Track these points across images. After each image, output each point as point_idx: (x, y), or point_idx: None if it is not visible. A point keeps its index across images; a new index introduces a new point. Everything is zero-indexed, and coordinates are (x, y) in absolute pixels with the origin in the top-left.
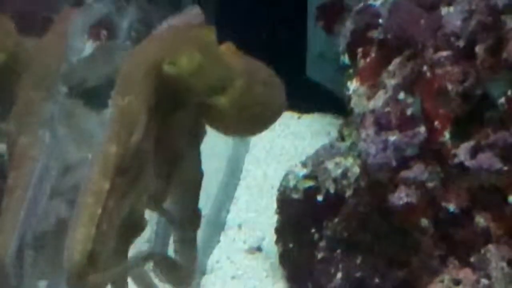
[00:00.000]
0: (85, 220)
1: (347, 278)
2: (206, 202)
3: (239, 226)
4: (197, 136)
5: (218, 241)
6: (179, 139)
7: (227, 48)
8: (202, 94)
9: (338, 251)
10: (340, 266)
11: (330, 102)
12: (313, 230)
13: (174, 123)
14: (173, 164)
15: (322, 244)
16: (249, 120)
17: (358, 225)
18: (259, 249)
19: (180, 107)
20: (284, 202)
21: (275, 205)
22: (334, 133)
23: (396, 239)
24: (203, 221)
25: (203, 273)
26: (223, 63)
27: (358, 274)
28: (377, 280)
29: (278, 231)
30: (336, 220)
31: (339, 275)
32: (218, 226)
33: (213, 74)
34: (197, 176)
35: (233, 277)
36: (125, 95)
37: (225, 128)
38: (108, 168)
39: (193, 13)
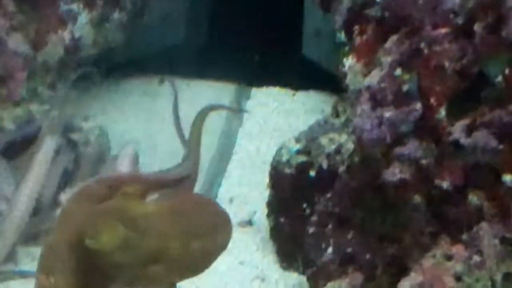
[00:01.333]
0: None
1: (337, 253)
2: (199, 176)
3: (231, 200)
4: None
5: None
6: None
7: (158, 209)
8: (134, 267)
9: (330, 226)
10: (331, 241)
11: (325, 80)
12: (304, 205)
13: None
14: None
15: (314, 218)
16: (189, 271)
17: (350, 201)
18: (250, 223)
19: (112, 282)
20: (277, 176)
21: (267, 180)
22: (329, 111)
23: (388, 215)
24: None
25: None
26: (153, 233)
27: (349, 249)
28: (368, 256)
29: (269, 205)
30: (328, 195)
31: (329, 249)
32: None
33: (141, 245)
34: None
35: None
36: (49, 274)
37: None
38: None
39: (126, 160)
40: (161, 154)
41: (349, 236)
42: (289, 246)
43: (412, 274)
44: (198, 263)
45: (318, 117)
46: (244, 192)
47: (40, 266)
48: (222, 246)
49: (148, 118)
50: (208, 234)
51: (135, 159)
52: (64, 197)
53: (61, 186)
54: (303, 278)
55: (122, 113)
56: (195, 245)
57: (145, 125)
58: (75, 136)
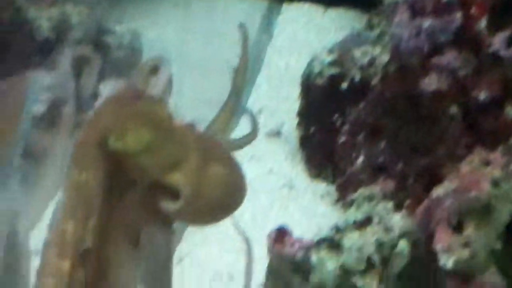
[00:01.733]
0: None
1: (368, 163)
2: (227, 87)
3: (259, 111)
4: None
5: (237, 124)
6: (134, 224)
7: (181, 123)
8: (154, 173)
9: (361, 135)
10: (362, 150)
11: None
12: (335, 116)
13: (128, 203)
14: (130, 252)
15: (345, 128)
16: (208, 205)
17: (383, 111)
18: (278, 134)
19: (132, 187)
20: (308, 87)
21: (295, 95)
22: (360, 28)
23: (422, 126)
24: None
25: None
26: (175, 139)
27: (380, 160)
28: (399, 166)
29: (300, 115)
30: (361, 105)
31: (360, 159)
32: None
33: (164, 151)
34: (164, 263)
35: (251, 157)
36: (81, 170)
37: (179, 211)
38: (66, 247)
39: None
40: (190, 65)
41: (381, 146)
42: (319, 156)
43: (447, 181)
44: (216, 201)
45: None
46: (272, 105)
47: (73, 161)
48: (241, 191)
49: (179, 28)
50: (226, 165)
51: (169, 83)
52: (103, 88)
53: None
54: (332, 188)
55: (154, 20)
56: (214, 168)
57: (176, 35)
58: (108, 39)
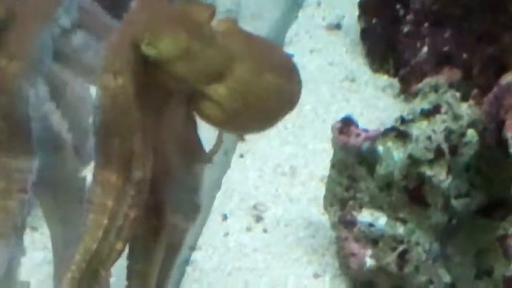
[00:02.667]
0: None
1: (433, 52)
2: None
3: (318, 3)
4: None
5: (296, 17)
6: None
7: (227, 27)
8: (193, 83)
9: (426, 24)
10: (427, 40)
11: None
12: (398, 6)
13: (164, 118)
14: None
15: (409, 17)
16: (254, 115)
17: None
18: (338, 26)
19: (171, 97)
20: None
21: None
22: None
23: (487, 14)
24: None
25: (282, 44)
26: (219, 46)
27: (445, 48)
28: (465, 55)
29: (361, 6)
30: None
31: (425, 49)
32: (297, 2)
33: (205, 58)
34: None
35: (311, 51)
36: (116, 74)
37: (222, 123)
38: (111, 158)
39: None
40: None
41: (446, 35)
42: (381, 47)
43: None
44: (262, 112)
45: None
46: None
47: (105, 65)
48: (293, 99)
49: None
50: (279, 72)
51: None
52: None
53: None
54: (394, 80)
55: None
56: (265, 77)
57: None
58: None
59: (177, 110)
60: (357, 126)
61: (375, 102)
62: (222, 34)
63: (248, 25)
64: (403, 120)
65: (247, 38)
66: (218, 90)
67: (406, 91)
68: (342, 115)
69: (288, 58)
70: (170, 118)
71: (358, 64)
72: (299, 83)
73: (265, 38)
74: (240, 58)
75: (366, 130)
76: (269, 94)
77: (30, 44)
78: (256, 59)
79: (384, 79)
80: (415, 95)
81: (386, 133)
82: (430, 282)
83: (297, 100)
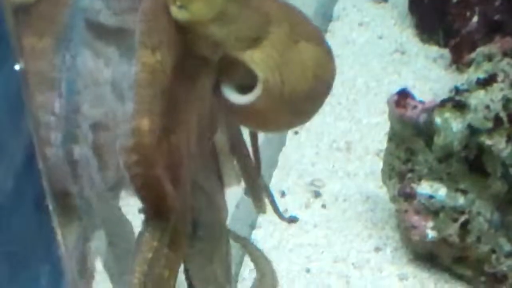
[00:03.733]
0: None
1: (484, 21)
2: None
3: None
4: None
5: None
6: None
7: None
8: (229, 48)
9: None
10: (477, 9)
11: None
12: None
13: (201, 89)
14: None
15: None
16: (292, 94)
17: None
18: None
19: (201, 68)
20: None
21: None
22: None
23: None
24: None
25: (330, 19)
26: (254, 7)
27: (496, 17)
28: None
29: None
30: None
31: (475, 18)
32: None
33: (241, 20)
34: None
35: (360, 24)
36: (155, 49)
37: (257, 106)
38: (147, 152)
39: None
40: None
41: (497, 3)
42: (430, 18)
43: None
44: (306, 77)
45: None
46: None
47: (142, 40)
48: (331, 78)
49: None
50: (314, 42)
51: None
52: None
53: None
54: (444, 51)
55: None
56: (304, 46)
57: None
58: None
59: (208, 82)
60: (413, 98)
61: (426, 74)
62: None
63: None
64: (458, 90)
65: (281, 3)
66: (253, 56)
67: (458, 61)
68: (394, 88)
69: (319, 30)
70: (201, 92)
71: (407, 36)
72: (333, 59)
73: (295, 9)
74: (276, 21)
75: (422, 102)
76: (306, 65)
77: (59, 21)
78: (291, 25)
79: (434, 50)
80: (468, 65)
81: (443, 104)
82: (493, 251)
83: (333, 81)
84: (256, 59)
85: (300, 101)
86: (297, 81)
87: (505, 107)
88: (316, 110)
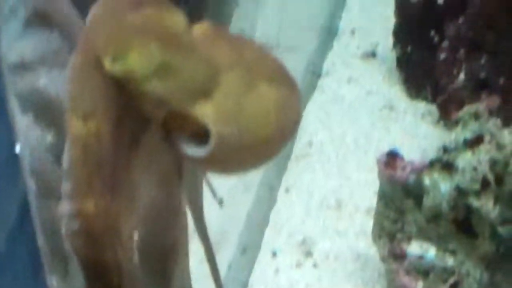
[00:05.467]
0: None
1: (470, 78)
2: (319, 8)
3: (352, 32)
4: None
5: (331, 47)
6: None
7: (207, 31)
8: (174, 103)
9: (462, 51)
10: (463, 66)
11: None
12: (433, 33)
13: (145, 152)
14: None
15: (445, 44)
16: (250, 140)
17: (484, 25)
18: (373, 54)
19: (145, 127)
20: (403, 5)
21: (389, 12)
22: None
23: None
24: (316, 27)
25: (319, 75)
26: (200, 55)
27: (482, 74)
28: (502, 80)
29: (395, 34)
30: (460, 20)
31: (462, 75)
32: (331, 31)
33: (185, 72)
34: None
35: (349, 80)
36: (86, 116)
37: (214, 158)
38: (95, 236)
39: None
40: None
41: (482, 60)
42: (417, 75)
43: None
44: (268, 121)
45: None
46: (365, 24)
47: (72, 107)
48: (294, 120)
49: None
50: (275, 82)
51: None
52: None
53: None
54: (432, 106)
55: None
56: (265, 88)
57: None
58: None
59: (156, 140)
60: (402, 158)
61: (415, 130)
62: (202, 40)
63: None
64: (446, 150)
65: (233, 42)
66: (205, 110)
67: (446, 118)
68: (383, 144)
69: (283, 66)
70: (148, 150)
71: (396, 92)
72: (299, 98)
73: (253, 40)
74: (228, 68)
75: (411, 162)
76: (267, 110)
77: None
78: (247, 67)
79: (422, 105)
80: (455, 123)
81: (431, 164)
82: None
83: (299, 119)
84: (208, 113)
85: (263, 146)
86: (258, 128)
87: (492, 168)
88: (283, 148)
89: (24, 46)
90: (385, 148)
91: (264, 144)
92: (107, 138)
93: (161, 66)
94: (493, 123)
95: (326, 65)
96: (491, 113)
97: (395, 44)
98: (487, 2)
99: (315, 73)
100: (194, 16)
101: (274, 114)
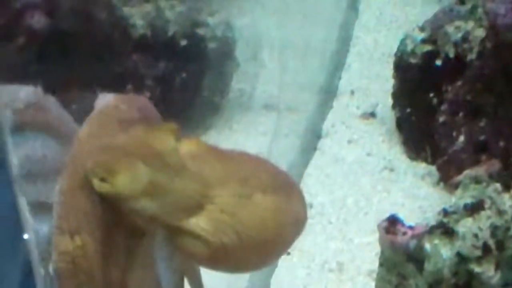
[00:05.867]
0: None
1: (470, 142)
2: (319, 69)
3: (352, 93)
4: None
5: (331, 107)
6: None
7: (195, 147)
8: (166, 220)
9: (461, 114)
10: (463, 129)
11: None
12: (432, 95)
13: (135, 262)
14: None
15: (444, 107)
16: (250, 248)
17: (482, 88)
18: (373, 114)
19: (139, 239)
20: (401, 67)
21: (387, 72)
22: (446, 1)
23: None
24: (315, 88)
25: (319, 136)
26: (190, 173)
27: (481, 137)
28: (501, 144)
29: (395, 96)
30: (458, 83)
31: (461, 138)
32: (330, 92)
33: (175, 190)
34: None
35: (349, 141)
36: (73, 233)
37: (212, 261)
38: None
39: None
40: (282, 49)
41: (482, 124)
42: (417, 136)
43: None
44: (267, 228)
45: (436, 6)
46: (365, 84)
47: (59, 225)
48: (295, 230)
49: (267, 14)
50: (276, 189)
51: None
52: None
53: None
54: (432, 168)
55: (241, 8)
56: (259, 198)
57: (265, 21)
58: (201, 31)
59: (151, 252)
60: (403, 224)
61: (415, 192)
62: (191, 157)
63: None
64: (446, 214)
65: (223, 156)
66: (199, 224)
67: (446, 180)
68: (384, 206)
69: (281, 172)
70: (144, 262)
71: (396, 153)
72: (300, 199)
73: (246, 152)
74: (220, 183)
75: (412, 227)
76: (265, 219)
77: None
78: (240, 179)
79: (422, 167)
80: (456, 186)
81: (432, 230)
82: None
83: (305, 220)
84: (202, 225)
85: (265, 248)
86: (257, 233)
87: (493, 234)
88: (286, 248)
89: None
90: (386, 210)
91: (267, 245)
92: (94, 252)
93: (149, 186)
94: (493, 188)
95: (326, 126)
96: (491, 177)
97: (394, 105)
98: (486, 65)
99: (315, 134)
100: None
101: (272, 220)
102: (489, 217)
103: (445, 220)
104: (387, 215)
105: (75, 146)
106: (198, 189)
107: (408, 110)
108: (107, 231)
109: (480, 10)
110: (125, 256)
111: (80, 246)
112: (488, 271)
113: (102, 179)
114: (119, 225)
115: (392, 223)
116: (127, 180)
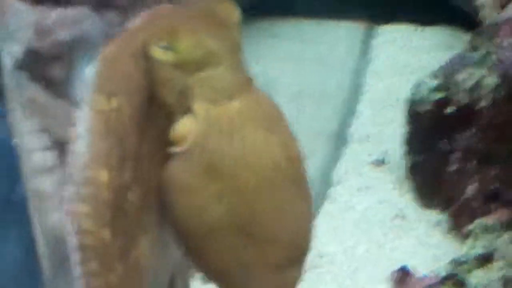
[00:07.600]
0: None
1: (481, 190)
2: (331, 115)
3: (363, 139)
4: None
5: (343, 154)
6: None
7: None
8: (194, 96)
9: (473, 162)
10: (474, 177)
11: (453, 14)
12: (443, 142)
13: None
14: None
15: (456, 155)
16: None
17: (495, 136)
18: (384, 161)
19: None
20: (414, 113)
21: (399, 118)
22: (458, 46)
23: None
24: (327, 134)
25: (330, 185)
26: (237, 62)
27: (493, 186)
28: None
29: (407, 143)
30: (470, 131)
31: (473, 186)
32: (342, 139)
33: (220, 70)
34: None
35: (360, 189)
36: (111, 95)
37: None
38: (101, 209)
39: None
40: (291, 94)
41: (493, 172)
42: (428, 184)
43: None
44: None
45: (447, 52)
46: (376, 131)
47: (98, 85)
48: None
49: (276, 58)
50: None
51: None
52: None
53: None
54: (444, 215)
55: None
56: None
57: (281, 68)
58: None
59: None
60: (413, 275)
61: (427, 240)
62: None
63: None
64: (456, 264)
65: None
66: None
67: (457, 227)
68: (396, 255)
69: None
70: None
71: (407, 201)
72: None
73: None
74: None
75: (423, 279)
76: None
77: None
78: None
79: (434, 214)
80: (467, 235)
81: (443, 281)
82: None
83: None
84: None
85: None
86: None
87: (504, 285)
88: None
89: None
90: (398, 258)
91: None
92: (128, 118)
93: (208, 55)
94: (504, 240)
95: (337, 173)
96: (502, 226)
97: (406, 153)
98: (498, 114)
99: (326, 182)
100: None
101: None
102: (500, 269)
103: (456, 270)
104: (399, 263)
105: (131, 24)
106: (235, 81)
107: (420, 157)
108: (144, 103)
109: (493, 57)
110: (158, 134)
111: (115, 108)
112: None
113: (166, 47)
114: (154, 102)
115: (403, 274)
116: (190, 45)
